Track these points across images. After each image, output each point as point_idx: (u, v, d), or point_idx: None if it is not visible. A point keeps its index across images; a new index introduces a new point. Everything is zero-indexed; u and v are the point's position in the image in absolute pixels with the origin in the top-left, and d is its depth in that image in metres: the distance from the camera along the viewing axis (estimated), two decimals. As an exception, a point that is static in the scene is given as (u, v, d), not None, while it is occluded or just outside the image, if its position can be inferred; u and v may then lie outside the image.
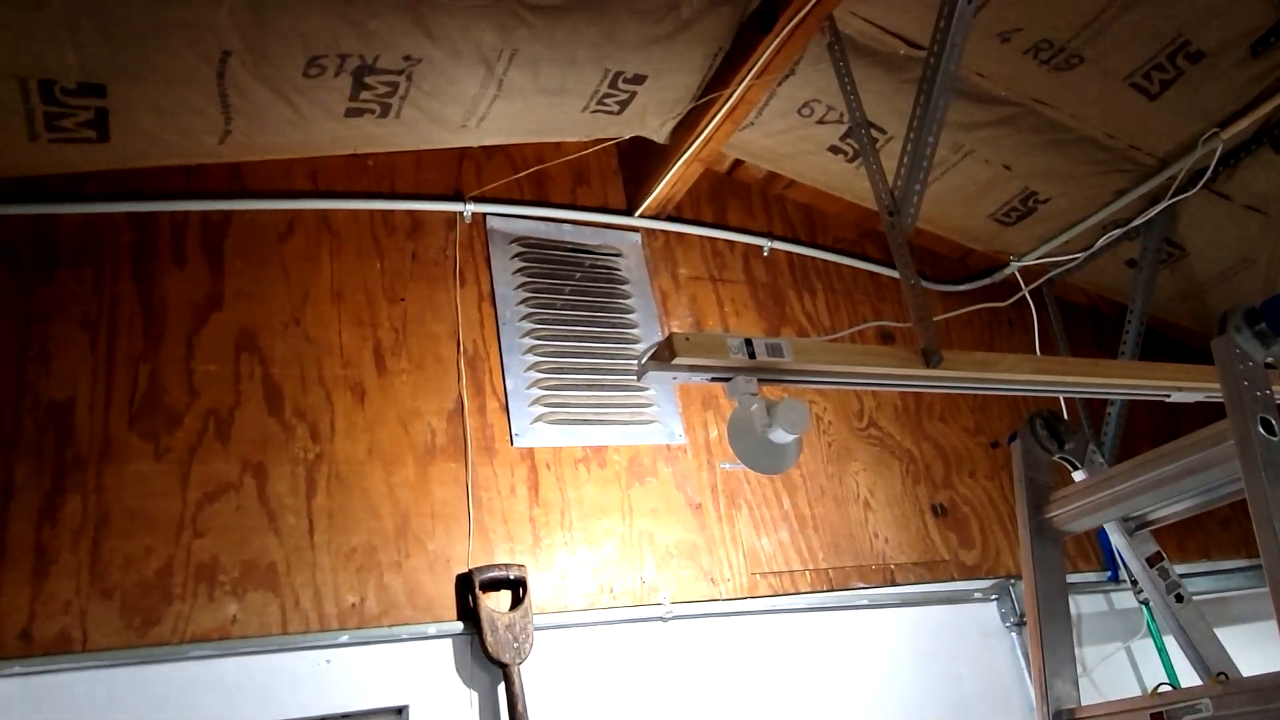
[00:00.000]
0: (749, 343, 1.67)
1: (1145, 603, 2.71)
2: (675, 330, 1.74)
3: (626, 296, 2.61)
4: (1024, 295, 2.85)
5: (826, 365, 1.74)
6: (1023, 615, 2.55)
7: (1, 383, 1.85)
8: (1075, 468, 2.15)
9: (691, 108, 2.43)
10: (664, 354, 1.60)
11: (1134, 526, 2.03)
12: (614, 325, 2.53)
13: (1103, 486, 1.91)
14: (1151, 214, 2.66)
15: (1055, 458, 2.14)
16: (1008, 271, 3.09)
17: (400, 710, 1.90)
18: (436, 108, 2.13)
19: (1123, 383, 2.03)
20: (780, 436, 1.69)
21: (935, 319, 1.88)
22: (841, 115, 2.56)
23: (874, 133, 2.48)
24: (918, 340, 1.85)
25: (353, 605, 1.93)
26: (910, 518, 2.70)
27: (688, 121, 2.50)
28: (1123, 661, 2.71)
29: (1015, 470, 2.09)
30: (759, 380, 1.71)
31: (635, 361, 2.50)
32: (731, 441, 1.74)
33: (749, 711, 2.18)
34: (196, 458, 1.93)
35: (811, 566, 2.48)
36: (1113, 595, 2.87)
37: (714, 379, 1.70)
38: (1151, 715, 1.59)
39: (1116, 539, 2.08)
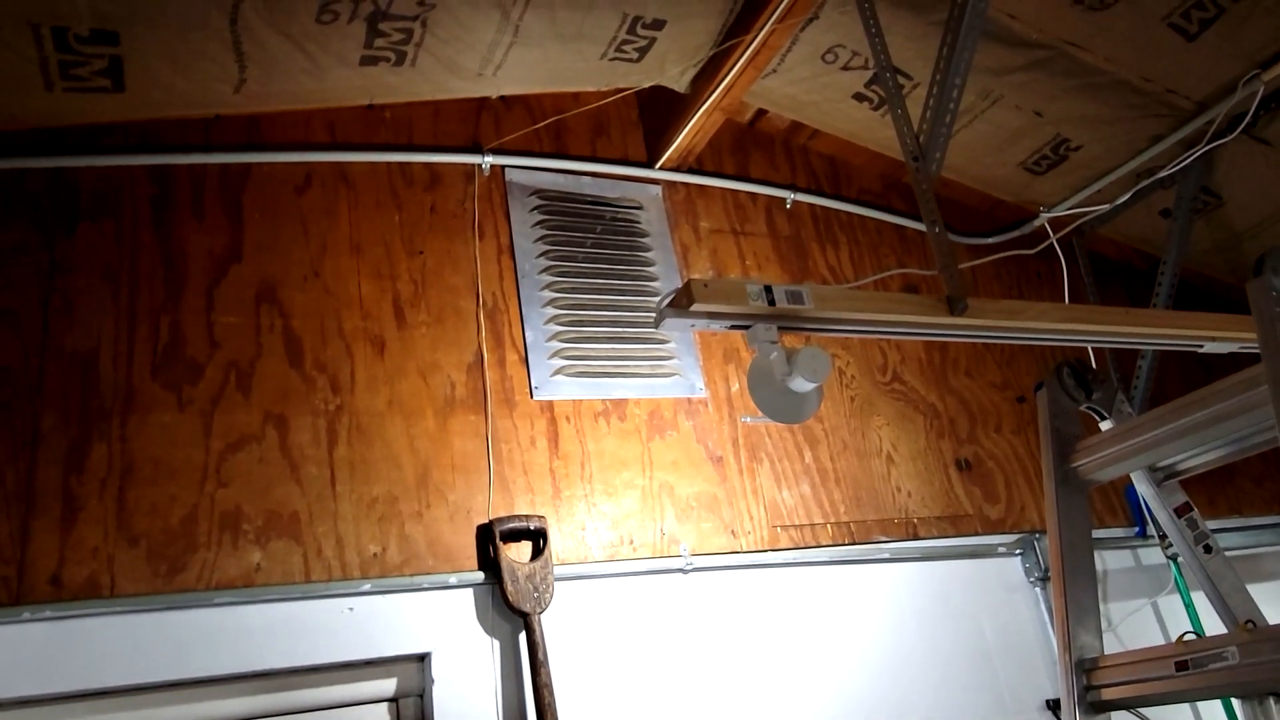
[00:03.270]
0: (769, 289, 1.64)
1: (1174, 558, 2.68)
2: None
3: (647, 249, 2.58)
4: (1053, 246, 2.79)
5: (848, 313, 1.71)
6: (1047, 570, 2.53)
7: (26, 333, 1.87)
8: (1103, 417, 2.10)
9: (712, 54, 2.38)
10: (682, 301, 1.58)
11: (1162, 477, 1.99)
12: (634, 278, 2.51)
13: (1130, 435, 1.86)
14: (1187, 161, 2.57)
15: (1083, 407, 2.09)
16: (1037, 223, 3.02)
17: (423, 658, 1.92)
18: (452, 55, 2.10)
19: (1154, 332, 1.97)
20: (800, 385, 1.67)
21: (960, 266, 1.84)
22: (867, 61, 2.50)
23: (900, 79, 2.41)
24: (942, 288, 1.81)
25: (374, 555, 1.95)
26: (934, 472, 2.68)
27: (708, 69, 2.44)
28: (1149, 617, 2.69)
29: (1041, 419, 2.05)
30: (779, 328, 1.69)
31: (655, 313, 2.49)
32: (751, 390, 1.72)
33: (768, 662, 2.19)
34: (219, 408, 1.95)
35: (833, 520, 2.46)
36: (1140, 551, 2.84)
37: (733, 327, 1.68)
38: (1176, 664, 1.57)
39: (1144, 489, 2.05)
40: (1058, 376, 2.06)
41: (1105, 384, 2.08)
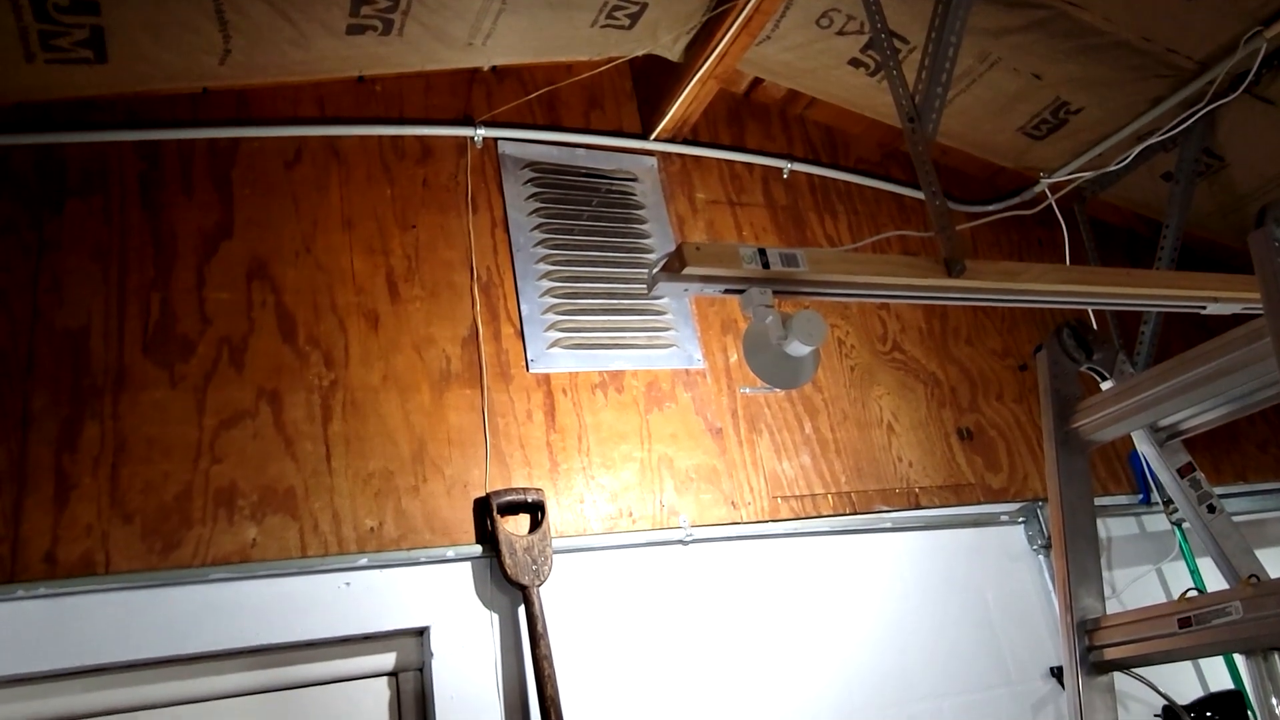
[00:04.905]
0: (763, 252, 1.61)
1: (1178, 524, 2.66)
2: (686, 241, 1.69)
3: (642, 222, 2.55)
4: (1054, 213, 2.76)
5: (844, 276, 1.68)
6: (1050, 538, 2.51)
7: (16, 313, 1.86)
8: (1104, 378, 2.08)
9: (705, 20, 2.35)
10: (675, 264, 1.55)
11: (1165, 437, 1.96)
12: (630, 250, 2.48)
13: (1131, 393, 1.84)
14: (1189, 122, 2.53)
15: (1083, 368, 2.07)
16: (1037, 189, 2.98)
17: (421, 631, 1.91)
18: (440, 23, 2.07)
19: (1156, 293, 1.94)
20: (797, 349, 1.65)
21: (959, 227, 1.81)
22: (862, 25, 2.46)
23: (896, 43, 2.37)
24: (940, 250, 1.78)
25: (371, 529, 1.93)
26: (935, 441, 2.66)
27: (701, 36, 2.41)
28: (1153, 583, 2.67)
29: (1041, 382, 2.02)
30: (774, 292, 1.66)
31: (648, 277, 2.46)
32: (747, 356, 1.70)
33: (769, 633, 2.18)
34: (211, 385, 1.93)
35: (834, 490, 2.45)
36: (1144, 518, 2.82)
37: (728, 291, 1.65)
38: (1179, 620, 1.55)
39: (1147, 450, 2.02)
40: (1058, 337, 2.03)
41: (1106, 345, 2.06)
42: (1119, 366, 2.04)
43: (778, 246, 1.64)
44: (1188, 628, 1.54)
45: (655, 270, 1.58)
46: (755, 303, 1.63)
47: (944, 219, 1.78)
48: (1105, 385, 2.08)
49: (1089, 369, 2.07)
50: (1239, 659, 2.26)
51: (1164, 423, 1.96)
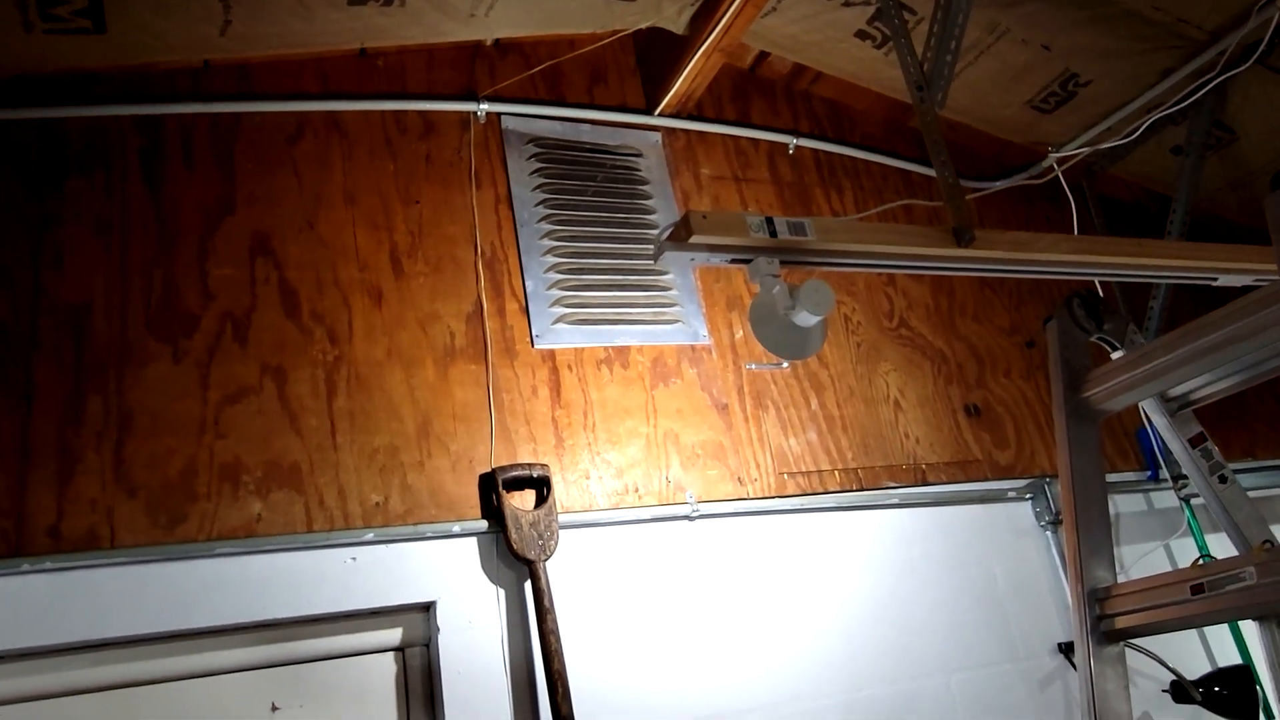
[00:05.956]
0: (770, 221, 1.60)
1: (1187, 500, 2.65)
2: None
3: (647, 197, 2.54)
4: (1062, 187, 2.73)
5: (851, 245, 1.67)
6: (1058, 514, 2.50)
7: (19, 287, 1.85)
8: (1114, 348, 2.06)
9: (710, -9, 2.32)
10: (680, 233, 1.54)
11: (1176, 407, 1.95)
12: (635, 226, 2.46)
13: (1142, 361, 1.81)
14: (1199, 93, 2.50)
15: (1093, 338, 2.04)
16: (1045, 164, 2.94)
17: (428, 606, 1.91)
18: (442, -7, 2.05)
19: (1167, 264, 1.92)
20: (804, 319, 1.63)
21: (968, 198, 1.79)
22: (869, -4, 2.43)
23: (904, 15, 2.35)
24: (948, 219, 1.76)
25: (377, 504, 1.93)
26: (942, 418, 2.64)
27: (706, 8, 2.38)
28: (1161, 559, 2.66)
29: (1050, 352, 2.00)
30: (781, 262, 1.65)
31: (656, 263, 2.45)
32: (753, 326, 1.68)
33: (776, 609, 2.17)
34: (215, 360, 1.92)
35: (840, 466, 2.43)
36: (1152, 495, 2.80)
37: (734, 260, 1.64)
38: (1192, 587, 1.54)
39: (1158, 419, 2.00)
40: (1068, 307, 2.01)
41: (1116, 315, 2.03)
42: (1130, 337, 2.02)
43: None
44: (1200, 594, 1.53)
45: (661, 238, 1.57)
46: (762, 272, 1.62)
47: (953, 187, 1.76)
48: (1115, 356, 2.06)
49: (1099, 339, 2.04)
50: (1249, 630, 2.25)
51: (1175, 392, 1.94)
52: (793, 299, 1.61)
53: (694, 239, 1.53)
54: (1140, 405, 2.17)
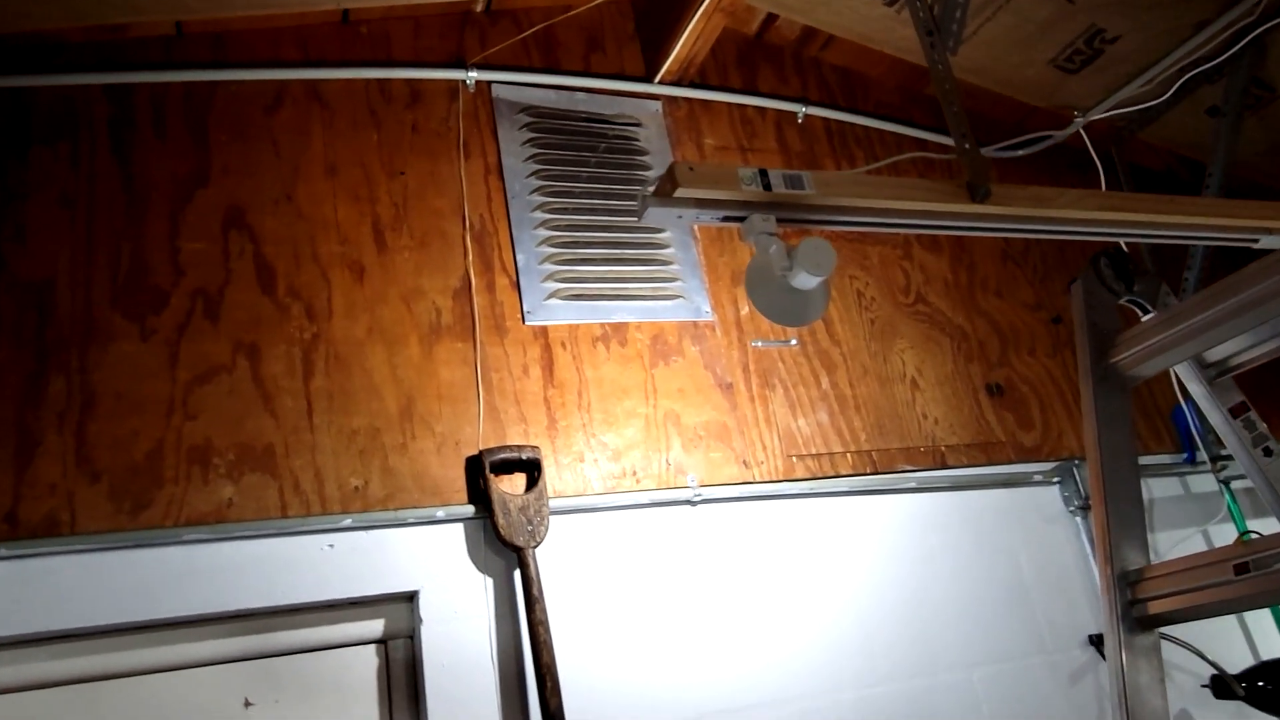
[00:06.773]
0: (764, 173, 1.47)
1: (1227, 482, 2.48)
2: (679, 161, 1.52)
3: (646, 169, 2.41)
4: (1089, 154, 2.57)
5: (855, 200, 1.54)
6: (1088, 498, 2.34)
7: (-22, 263, 1.76)
8: (1146, 311, 1.90)
9: (708, -54, 2.19)
10: (666, 187, 1.42)
11: (1214, 374, 1.78)
12: (633, 198, 2.34)
13: (1176, 320, 1.66)
14: (1237, 47, 2.33)
15: (1123, 300, 1.89)
16: (1071, 130, 2.78)
17: (411, 596, 1.80)
18: (422, -51, 1.94)
19: (1202, 223, 1.76)
20: (804, 281, 1.50)
21: (984, 150, 1.65)
22: (878, -51, 2.29)
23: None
24: (963, 173, 1.63)
25: (356, 488, 1.82)
26: (963, 398, 2.50)
27: (705, -36, 2.25)
28: (1198, 545, 2.49)
29: (1075, 315, 1.85)
30: (779, 220, 1.52)
31: (654, 235, 2.33)
32: (750, 291, 1.56)
33: (784, 599, 2.04)
34: (185, 338, 1.83)
35: (853, 449, 2.30)
36: (1189, 479, 2.64)
37: (726, 219, 1.51)
38: (1235, 567, 1.39)
39: (1195, 388, 1.84)
40: (1094, 267, 1.86)
41: (1148, 275, 1.88)
42: (1162, 299, 1.86)
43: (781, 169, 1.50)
44: (1245, 574, 1.38)
45: (646, 194, 1.44)
46: (757, 230, 1.49)
47: (967, 138, 1.62)
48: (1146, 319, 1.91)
49: (1130, 301, 1.89)
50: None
51: (1213, 356, 1.77)
52: (790, 259, 1.48)
53: (680, 193, 1.40)
54: (1175, 373, 2.00)
